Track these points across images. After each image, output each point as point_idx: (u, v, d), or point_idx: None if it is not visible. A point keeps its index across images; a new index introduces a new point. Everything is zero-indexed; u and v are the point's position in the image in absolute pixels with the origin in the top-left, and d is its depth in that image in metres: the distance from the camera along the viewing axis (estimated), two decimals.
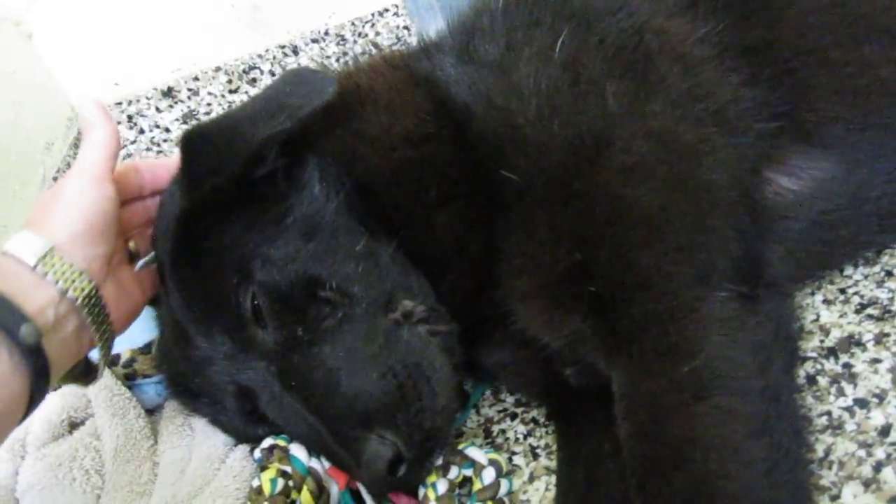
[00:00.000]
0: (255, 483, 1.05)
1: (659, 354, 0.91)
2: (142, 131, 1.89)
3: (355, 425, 0.95)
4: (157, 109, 1.87)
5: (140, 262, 1.10)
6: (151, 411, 1.34)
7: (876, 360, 1.01)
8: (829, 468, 0.93)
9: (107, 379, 1.25)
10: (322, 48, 1.78)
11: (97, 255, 0.97)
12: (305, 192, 1.05)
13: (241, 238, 1.01)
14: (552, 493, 1.06)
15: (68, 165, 1.77)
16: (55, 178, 1.71)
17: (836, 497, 0.91)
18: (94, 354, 1.03)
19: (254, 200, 1.03)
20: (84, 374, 1.03)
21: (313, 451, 1.05)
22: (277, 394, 1.00)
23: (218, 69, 1.81)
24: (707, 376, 0.89)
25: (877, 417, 0.96)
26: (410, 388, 0.96)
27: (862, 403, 0.98)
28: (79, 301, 0.94)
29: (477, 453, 1.06)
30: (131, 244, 1.12)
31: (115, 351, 1.14)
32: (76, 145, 1.82)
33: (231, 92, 1.94)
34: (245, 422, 1.08)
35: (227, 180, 1.00)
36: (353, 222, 1.05)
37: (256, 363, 1.01)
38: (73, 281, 0.93)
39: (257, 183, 1.03)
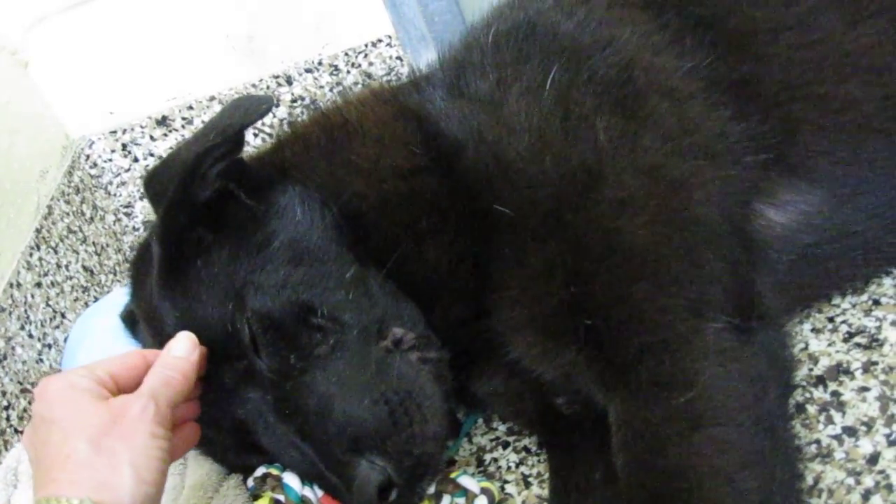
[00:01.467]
0: None
1: (655, 386, 0.91)
2: (136, 160, 1.90)
3: (346, 451, 0.95)
4: (152, 138, 1.87)
5: None
6: None
7: (864, 389, 1.02)
8: (819, 496, 0.93)
9: None
10: (316, 78, 1.80)
11: None
12: (286, 216, 1.06)
13: (229, 268, 1.02)
14: None
15: (62, 194, 1.77)
16: (49, 207, 1.70)
17: None
18: None
19: (230, 230, 1.04)
20: None
21: (306, 479, 1.05)
22: (272, 423, 1.00)
23: (212, 98, 1.82)
24: (703, 407, 0.90)
25: (865, 446, 0.96)
26: (401, 415, 0.97)
27: (850, 432, 0.99)
28: None
29: (469, 482, 1.07)
30: None
31: None
32: (70, 173, 1.82)
33: None
34: (238, 452, 1.08)
35: (172, 204, 1.01)
36: (342, 249, 1.06)
37: (254, 393, 1.01)
38: None
39: (220, 210, 1.05)
